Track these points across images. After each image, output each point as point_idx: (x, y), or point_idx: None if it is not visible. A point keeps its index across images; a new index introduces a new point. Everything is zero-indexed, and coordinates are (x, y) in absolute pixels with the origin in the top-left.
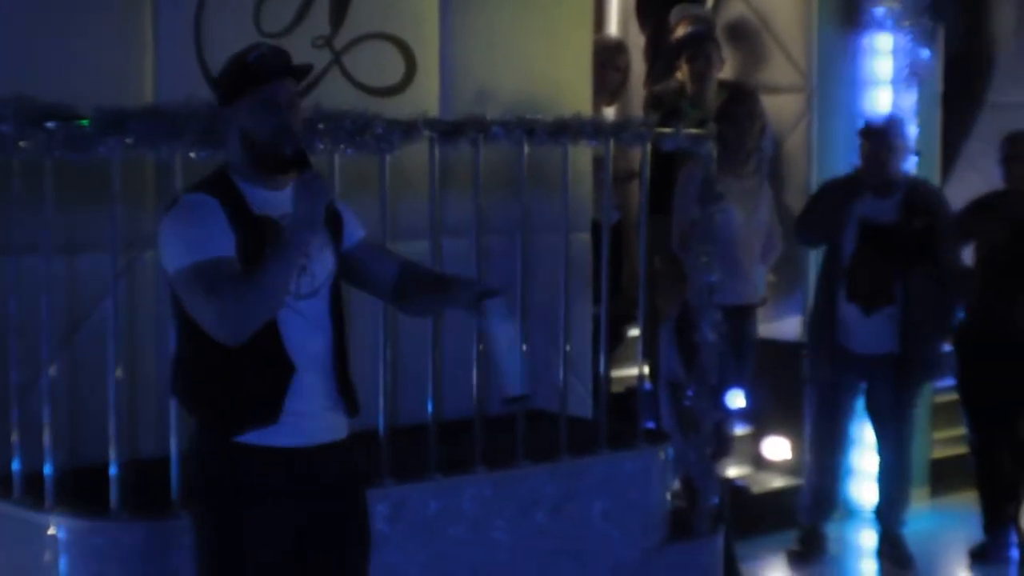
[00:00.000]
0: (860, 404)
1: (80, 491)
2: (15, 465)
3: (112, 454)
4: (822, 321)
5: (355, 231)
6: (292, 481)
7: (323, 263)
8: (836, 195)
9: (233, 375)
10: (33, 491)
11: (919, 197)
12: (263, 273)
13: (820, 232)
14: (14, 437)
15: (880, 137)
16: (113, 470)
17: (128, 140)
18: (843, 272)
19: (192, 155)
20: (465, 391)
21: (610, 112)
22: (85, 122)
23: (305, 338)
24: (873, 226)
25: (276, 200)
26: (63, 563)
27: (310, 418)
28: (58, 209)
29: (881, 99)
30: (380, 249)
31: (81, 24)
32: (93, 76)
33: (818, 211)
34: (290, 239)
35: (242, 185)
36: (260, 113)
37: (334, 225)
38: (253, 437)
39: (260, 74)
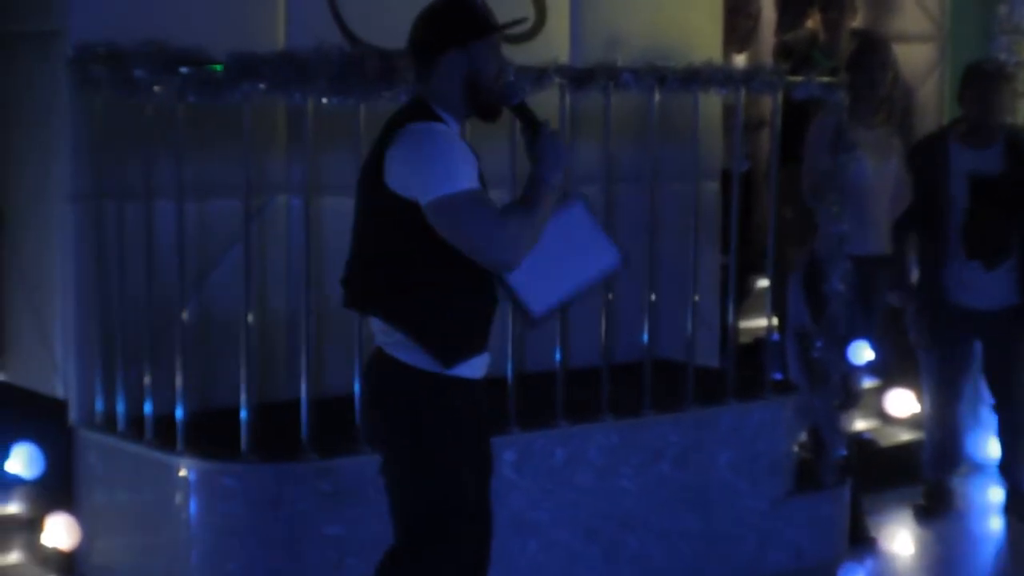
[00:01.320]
0: (976, 360)
1: (211, 434)
2: (147, 407)
3: (243, 398)
4: (931, 285)
5: None
6: (476, 410)
7: None
8: (932, 153)
9: (464, 301)
10: (164, 433)
11: (1022, 144)
12: (534, 210)
13: (920, 194)
14: (147, 380)
15: (992, 82)
16: (244, 413)
17: (261, 86)
18: (956, 230)
19: (324, 101)
20: (593, 339)
21: (740, 60)
22: (218, 67)
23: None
24: (984, 179)
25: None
26: (193, 504)
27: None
28: (190, 154)
29: (1014, 48)
30: None
31: None
32: (225, 22)
33: (916, 178)
34: (551, 182)
35: (447, 119)
36: (492, 58)
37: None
38: (462, 369)
39: (492, 22)
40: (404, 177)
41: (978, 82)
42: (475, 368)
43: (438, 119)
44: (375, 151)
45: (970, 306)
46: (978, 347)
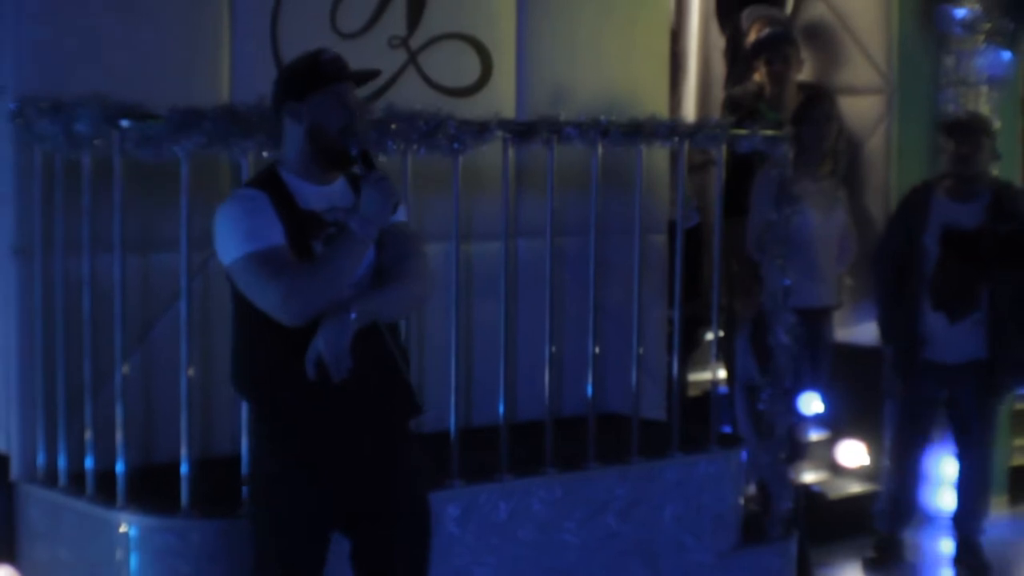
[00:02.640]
0: (940, 411)
1: (152, 489)
2: (88, 462)
3: (184, 452)
4: (905, 335)
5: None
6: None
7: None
8: (914, 202)
9: (290, 362)
10: (105, 488)
11: (1007, 200)
12: (331, 260)
13: (897, 245)
14: (87, 435)
15: (963, 135)
16: (184, 468)
17: (201, 139)
18: (926, 281)
19: (265, 154)
20: (538, 392)
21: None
22: (159, 121)
23: None
24: (957, 232)
25: (322, 195)
26: (134, 560)
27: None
28: (131, 208)
29: (961, 101)
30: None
31: (157, 23)
32: (169, 76)
33: (897, 226)
34: (359, 232)
35: (290, 180)
36: (332, 110)
37: None
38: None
39: (333, 73)
40: (217, 243)
41: (951, 134)
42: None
43: (268, 183)
44: None
45: (936, 360)
46: (943, 399)
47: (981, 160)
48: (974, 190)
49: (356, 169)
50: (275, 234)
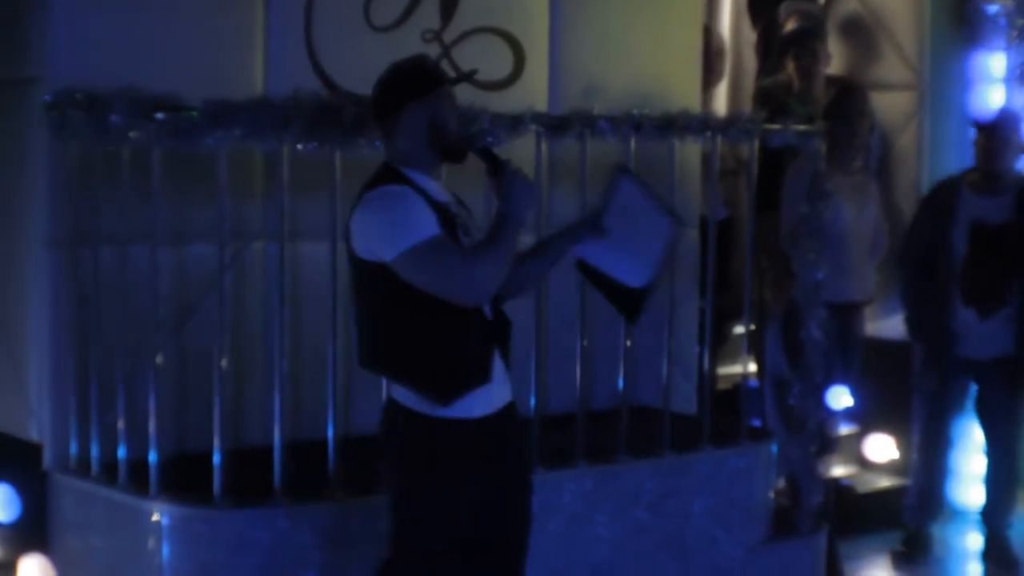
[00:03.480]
0: (968, 406)
1: (185, 479)
2: (120, 452)
3: (216, 442)
4: (934, 330)
5: None
6: (485, 448)
7: None
8: (941, 198)
9: (449, 340)
10: (138, 478)
11: None
12: (500, 245)
13: (924, 241)
14: (120, 424)
15: (993, 130)
16: (217, 458)
17: (236, 132)
18: (955, 276)
19: (299, 147)
20: (569, 385)
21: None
22: (193, 113)
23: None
24: (985, 227)
25: (439, 188)
26: (166, 549)
27: (498, 384)
28: (166, 200)
29: (993, 98)
30: None
31: (193, 17)
32: (204, 69)
33: (924, 222)
34: (519, 218)
35: (415, 176)
36: (449, 108)
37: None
38: (459, 409)
39: (444, 75)
40: (367, 243)
41: (980, 129)
42: (474, 406)
43: (401, 180)
44: (348, 221)
45: (965, 354)
46: (971, 393)
47: (1009, 156)
48: (1001, 186)
49: (484, 162)
50: (434, 224)
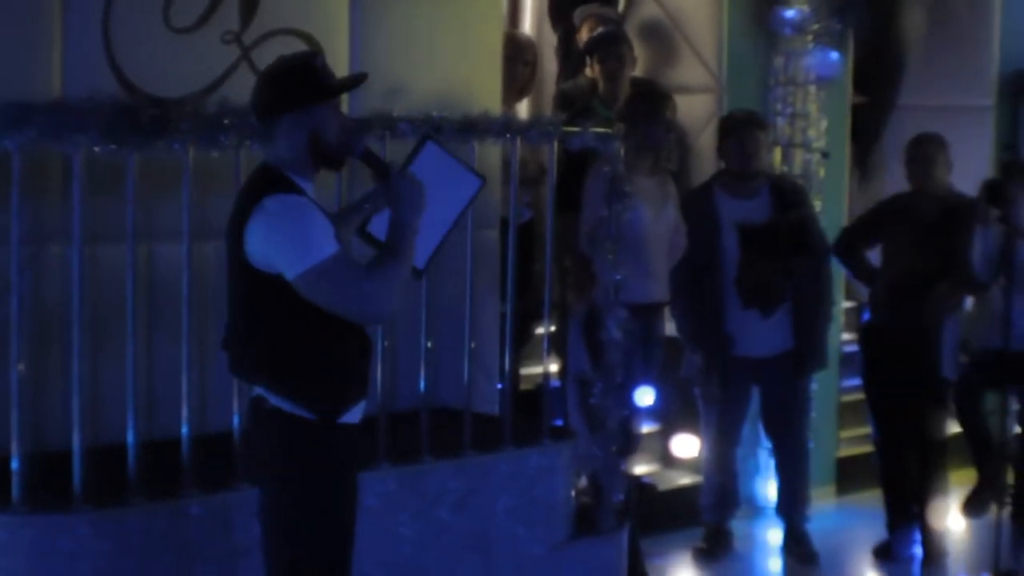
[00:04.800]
0: (753, 404)
1: None
2: None
3: (15, 448)
4: (710, 335)
5: None
6: (356, 454)
7: None
8: (699, 206)
9: (338, 357)
10: None
11: (787, 192)
12: (399, 259)
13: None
14: None
15: (747, 130)
16: (15, 464)
17: (31, 134)
18: (729, 281)
19: (96, 149)
20: (372, 387)
21: (522, 108)
22: None
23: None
24: (753, 228)
25: (313, 190)
26: None
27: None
28: None
29: (790, 100)
30: None
31: None
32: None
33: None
34: (413, 224)
35: (299, 182)
36: (332, 120)
37: None
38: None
39: (335, 87)
40: (266, 255)
41: (732, 131)
42: (354, 414)
43: (293, 187)
44: (235, 223)
45: (749, 354)
46: (754, 392)
47: (754, 154)
48: (753, 186)
49: (368, 167)
50: (333, 239)
